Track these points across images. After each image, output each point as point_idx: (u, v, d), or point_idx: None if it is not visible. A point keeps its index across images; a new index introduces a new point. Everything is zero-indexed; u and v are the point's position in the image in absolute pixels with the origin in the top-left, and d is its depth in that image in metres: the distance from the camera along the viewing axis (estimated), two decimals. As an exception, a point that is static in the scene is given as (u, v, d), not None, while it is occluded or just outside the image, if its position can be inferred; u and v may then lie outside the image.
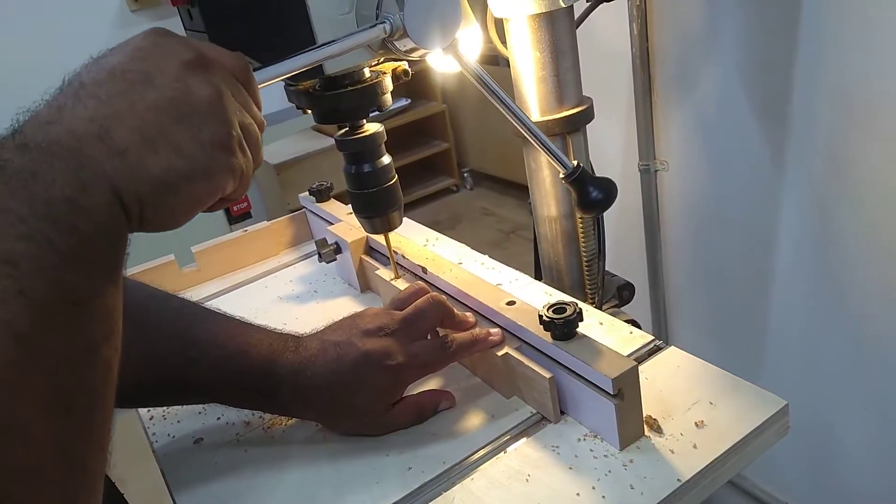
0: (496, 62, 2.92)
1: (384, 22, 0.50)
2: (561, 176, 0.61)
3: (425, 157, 3.48)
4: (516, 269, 0.79)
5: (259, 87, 0.45)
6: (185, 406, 0.66)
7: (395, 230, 0.67)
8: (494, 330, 0.60)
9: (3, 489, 0.28)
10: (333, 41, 0.50)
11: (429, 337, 0.60)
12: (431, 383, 0.63)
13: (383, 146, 0.61)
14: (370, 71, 0.58)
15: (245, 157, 0.41)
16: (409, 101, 3.36)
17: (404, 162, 3.36)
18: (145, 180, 0.36)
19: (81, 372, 0.33)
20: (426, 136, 3.56)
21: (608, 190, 0.61)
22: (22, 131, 0.34)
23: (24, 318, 0.30)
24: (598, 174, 0.83)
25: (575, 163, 0.61)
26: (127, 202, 0.35)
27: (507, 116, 0.61)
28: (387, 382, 0.56)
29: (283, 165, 2.89)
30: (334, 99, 0.56)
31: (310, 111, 0.59)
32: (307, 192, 0.96)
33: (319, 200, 0.93)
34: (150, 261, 0.90)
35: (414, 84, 3.46)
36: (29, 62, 2.59)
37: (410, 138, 3.47)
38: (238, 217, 2.56)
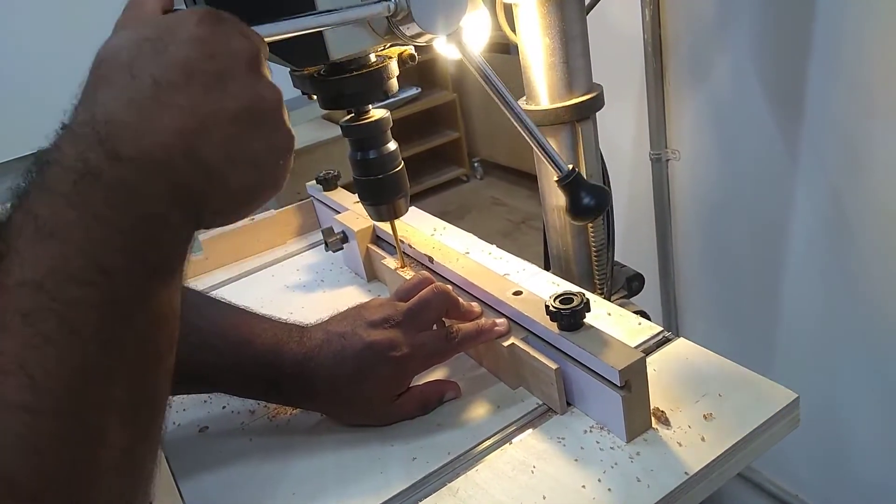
0: (507, 50, 2.91)
1: (389, 0, 0.49)
2: (555, 178, 0.60)
3: (435, 147, 3.47)
4: (526, 259, 0.78)
5: None
6: (190, 395, 0.65)
7: (403, 219, 0.66)
8: (500, 320, 0.60)
9: (76, 492, 0.29)
10: (334, 10, 0.49)
11: (434, 327, 0.60)
12: (437, 374, 0.62)
13: (389, 132, 0.60)
14: (376, 56, 0.57)
15: None
16: (420, 89, 3.34)
17: (414, 151, 3.35)
18: (226, 197, 0.36)
19: (151, 380, 0.34)
20: (436, 126, 3.54)
21: (601, 198, 0.59)
22: (108, 138, 0.33)
23: (110, 328, 0.31)
24: (608, 163, 0.83)
25: (570, 166, 0.59)
26: (206, 217, 0.37)
27: (504, 111, 0.59)
28: (391, 373, 0.56)
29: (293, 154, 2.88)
30: (339, 84, 0.55)
31: (315, 97, 0.58)
32: (314, 181, 0.95)
33: (326, 189, 0.93)
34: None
35: (424, 73, 3.44)
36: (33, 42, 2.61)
37: (420, 127, 3.46)
38: (248, 206, 2.57)
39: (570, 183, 0.59)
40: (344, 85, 0.55)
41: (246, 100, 0.36)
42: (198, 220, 0.36)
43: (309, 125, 2.76)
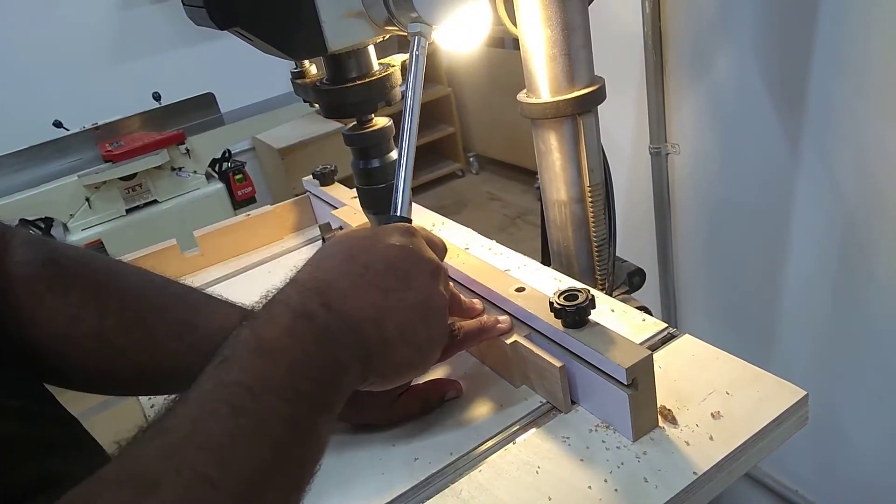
0: (501, 45, 2.90)
1: None
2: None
3: (431, 142, 3.46)
4: (523, 254, 0.77)
5: None
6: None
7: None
8: (503, 317, 0.58)
9: None
10: None
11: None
12: (438, 372, 0.61)
13: (392, 140, 0.59)
14: (378, 64, 0.56)
15: None
16: (415, 84, 3.32)
17: (409, 146, 3.33)
18: (390, 365, 0.46)
19: (293, 496, 0.39)
20: (431, 120, 3.53)
21: None
22: (324, 292, 0.44)
23: (288, 439, 0.38)
24: (608, 157, 0.82)
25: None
26: (370, 377, 0.45)
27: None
28: (392, 372, 0.55)
29: (288, 149, 2.87)
30: (341, 93, 0.54)
31: (317, 105, 0.57)
32: (311, 176, 0.94)
33: (323, 184, 0.91)
34: (151, 245, 0.89)
35: (419, 67, 3.42)
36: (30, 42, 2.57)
37: (416, 122, 3.43)
38: (242, 202, 2.54)
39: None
40: (347, 94, 0.54)
41: (424, 296, 0.47)
42: (364, 377, 0.45)
43: (301, 120, 2.74)
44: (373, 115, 0.57)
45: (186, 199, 2.35)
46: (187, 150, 2.36)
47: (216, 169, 2.54)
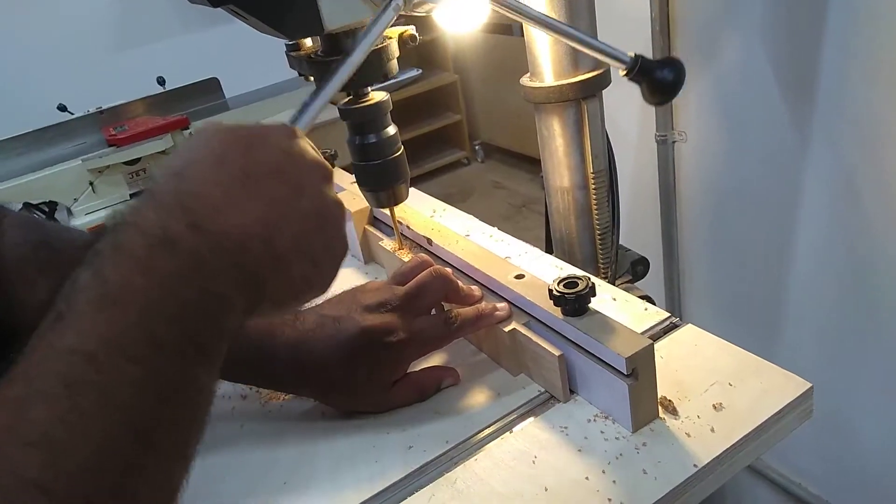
0: (509, 31, 2.86)
1: None
2: (622, 73, 0.57)
3: (436, 129, 3.43)
4: (527, 243, 0.75)
5: None
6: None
7: (403, 201, 0.63)
8: (501, 304, 0.57)
9: None
10: None
11: (432, 312, 0.58)
12: (435, 360, 0.60)
13: (389, 116, 0.58)
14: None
15: None
16: (420, 71, 3.28)
17: (415, 134, 3.32)
18: (285, 287, 0.38)
19: (171, 470, 0.32)
20: (437, 108, 3.50)
21: (677, 68, 0.56)
22: (192, 209, 0.34)
23: (147, 409, 0.30)
24: (613, 145, 0.80)
25: (631, 54, 0.57)
26: (263, 305, 0.38)
27: (546, 32, 0.56)
28: (387, 360, 0.54)
29: (292, 136, 2.85)
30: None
31: (312, 78, 0.56)
32: (311, 160, 0.93)
33: (323, 168, 0.90)
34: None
35: (425, 54, 3.39)
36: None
37: (421, 109, 3.42)
38: (246, 188, 2.55)
39: (641, 68, 0.56)
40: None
41: (318, 204, 0.40)
42: (254, 308, 0.37)
43: (308, 106, 2.71)
44: (369, 90, 0.56)
45: (190, 184, 2.35)
46: (191, 135, 2.35)
47: (220, 154, 2.52)
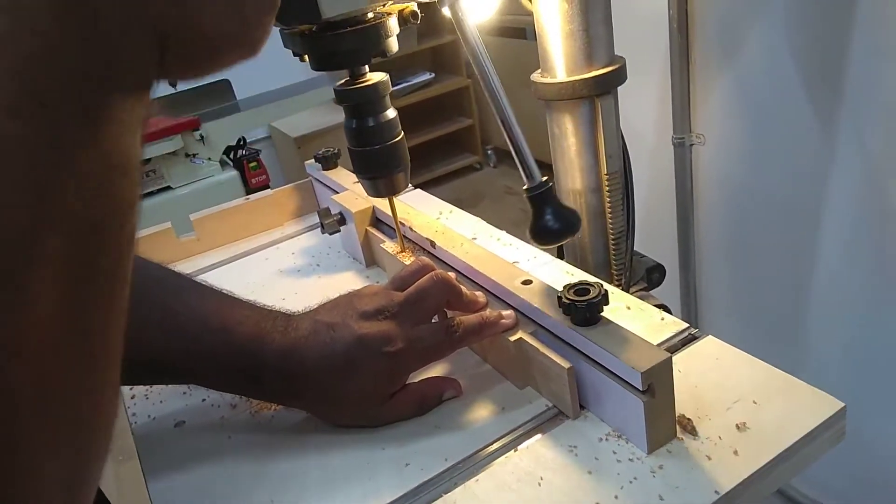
0: (523, 35, 2.83)
1: None
2: (524, 188, 0.53)
3: (448, 134, 3.41)
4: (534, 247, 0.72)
5: None
6: (168, 385, 0.60)
7: (407, 201, 0.60)
8: (507, 312, 0.54)
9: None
10: None
11: (434, 319, 0.54)
12: (436, 370, 0.57)
13: (388, 98, 0.54)
14: (374, 12, 0.51)
15: None
16: (433, 75, 3.27)
17: (427, 138, 3.29)
18: (197, 37, 0.29)
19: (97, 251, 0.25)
20: (449, 112, 3.48)
21: (568, 223, 0.51)
22: None
23: (43, 177, 0.22)
24: (628, 147, 0.76)
25: (545, 178, 0.52)
26: (168, 57, 0.28)
27: (485, 94, 0.53)
28: (384, 370, 0.50)
29: (304, 138, 2.84)
30: (333, 41, 0.49)
31: (307, 58, 0.52)
32: (313, 160, 0.90)
33: (325, 168, 0.87)
34: (144, 228, 0.85)
35: (438, 58, 3.37)
36: None
37: (433, 114, 3.39)
38: (256, 189, 2.52)
39: (537, 196, 0.52)
40: (337, 42, 0.49)
41: None
42: (161, 57, 0.28)
43: (318, 109, 2.70)
44: (367, 69, 0.53)
45: (200, 185, 2.34)
46: (202, 137, 2.34)
47: (231, 156, 2.51)
